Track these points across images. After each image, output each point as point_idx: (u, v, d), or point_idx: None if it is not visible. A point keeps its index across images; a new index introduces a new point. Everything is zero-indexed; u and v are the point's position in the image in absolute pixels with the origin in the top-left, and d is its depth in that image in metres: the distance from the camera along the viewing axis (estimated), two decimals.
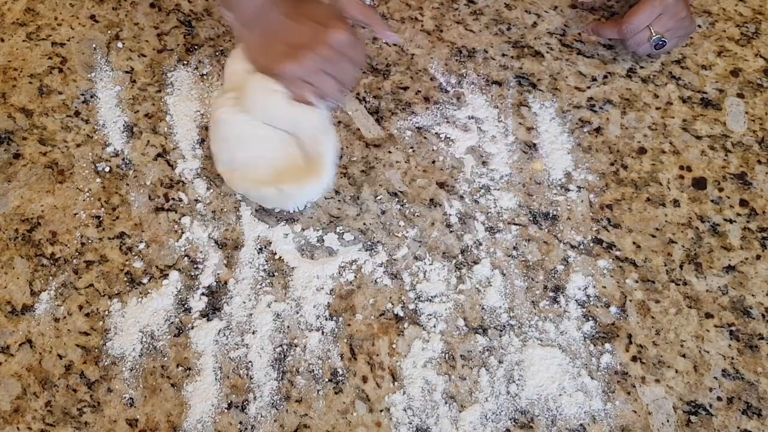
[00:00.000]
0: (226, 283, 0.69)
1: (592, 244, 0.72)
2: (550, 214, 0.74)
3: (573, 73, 0.82)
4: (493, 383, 0.65)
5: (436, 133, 0.78)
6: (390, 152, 0.77)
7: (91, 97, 0.79)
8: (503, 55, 0.83)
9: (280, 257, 0.71)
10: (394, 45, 0.83)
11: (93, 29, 0.84)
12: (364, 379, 0.65)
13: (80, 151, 0.76)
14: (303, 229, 0.72)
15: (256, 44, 0.70)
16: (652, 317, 0.69)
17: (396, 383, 0.65)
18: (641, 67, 0.82)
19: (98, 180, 0.75)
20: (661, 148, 0.78)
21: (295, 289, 0.69)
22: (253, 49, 0.71)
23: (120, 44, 0.83)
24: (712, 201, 0.75)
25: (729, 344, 0.67)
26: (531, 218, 0.73)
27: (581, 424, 0.64)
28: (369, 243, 0.72)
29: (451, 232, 0.72)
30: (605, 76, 0.82)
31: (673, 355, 0.67)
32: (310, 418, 0.64)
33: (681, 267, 0.71)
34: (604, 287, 0.70)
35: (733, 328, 0.68)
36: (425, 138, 0.78)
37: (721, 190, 0.75)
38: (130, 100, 0.79)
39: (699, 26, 0.85)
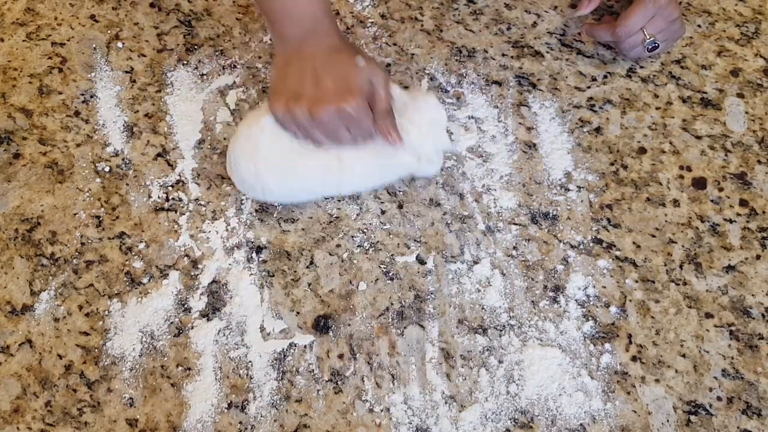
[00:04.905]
0: (226, 283, 0.69)
1: (592, 244, 0.72)
2: (550, 214, 0.74)
3: (573, 73, 0.82)
4: (493, 383, 0.65)
5: None
6: None
7: (91, 97, 0.79)
8: (503, 55, 0.83)
9: (281, 256, 0.71)
10: (395, 48, 0.81)
11: (93, 29, 0.84)
12: (364, 379, 0.65)
13: (80, 151, 0.76)
14: (303, 229, 0.72)
15: (280, 71, 0.68)
16: (652, 317, 0.69)
17: (396, 383, 0.65)
18: (641, 67, 0.82)
19: (98, 180, 0.75)
20: (661, 148, 0.78)
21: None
22: (277, 72, 0.69)
23: (120, 44, 0.83)
24: (712, 201, 0.75)
25: (729, 344, 0.67)
26: (531, 218, 0.73)
27: (581, 424, 0.64)
28: (369, 243, 0.72)
29: (451, 232, 0.72)
30: (605, 76, 0.82)
31: (673, 355, 0.67)
32: (310, 418, 0.64)
33: (681, 267, 0.71)
34: (604, 287, 0.70)
35: (733, 328, 0.68)
36: None
37: (721, 190, 0.75)
38: (130, 100, 0.79)
39: (699, 26, 0.85)
